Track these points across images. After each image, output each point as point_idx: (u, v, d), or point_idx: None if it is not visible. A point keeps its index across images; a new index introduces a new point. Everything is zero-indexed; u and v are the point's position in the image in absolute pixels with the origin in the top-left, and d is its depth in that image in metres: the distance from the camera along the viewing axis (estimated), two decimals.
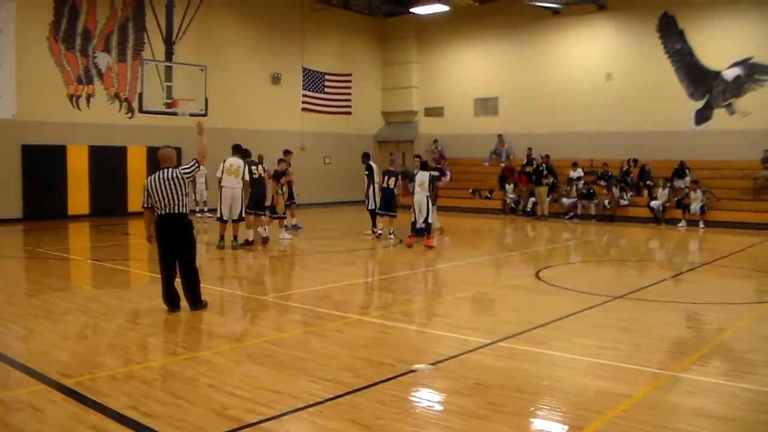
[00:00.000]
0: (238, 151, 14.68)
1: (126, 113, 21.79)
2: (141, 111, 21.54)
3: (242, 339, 7.70)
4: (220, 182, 14.48)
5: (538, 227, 20.93)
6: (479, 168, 27.27)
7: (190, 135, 10.84)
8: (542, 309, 9.33)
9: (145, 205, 8.71)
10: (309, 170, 26.03)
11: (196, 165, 8.83)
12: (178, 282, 8.79)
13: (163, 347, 7.47)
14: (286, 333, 7.94)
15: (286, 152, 17.19)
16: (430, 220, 15.46)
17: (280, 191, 16.30)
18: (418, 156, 18.45)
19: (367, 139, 29.49)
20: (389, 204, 16.63)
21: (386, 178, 16.71)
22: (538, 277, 11.74)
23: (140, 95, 21.58)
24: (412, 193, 15.75)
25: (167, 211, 8.55)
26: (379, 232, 17.07)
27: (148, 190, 8.60)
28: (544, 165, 23.81)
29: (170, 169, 8.63)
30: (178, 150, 10.86)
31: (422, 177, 15.55)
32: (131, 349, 7.31)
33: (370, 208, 17.49)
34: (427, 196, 15.31)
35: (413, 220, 15.64)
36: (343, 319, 8.58)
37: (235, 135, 19.67)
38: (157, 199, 8.53)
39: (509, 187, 24.74)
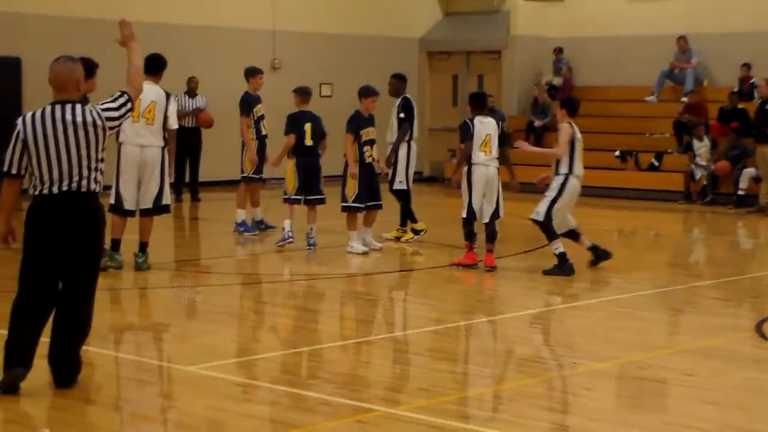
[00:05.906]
0: None
1: None
2: None
3: None
4: None
5: (760, 229, 13.61)
6: (636, 106, 16.99)
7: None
8: None
9: (12, 171, 4.95)
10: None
11: (128, 102, 4.93)
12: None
13: None
14: None
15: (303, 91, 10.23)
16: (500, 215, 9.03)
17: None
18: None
19: (406, 48, 18.02)
20: None
21: None
22: (763, 335, 7.07)
23: None
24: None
25: (60, 187, 4.85)
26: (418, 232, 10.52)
27: (24, 140, 4.87)
28: None
29: (74, 105, 4.84)
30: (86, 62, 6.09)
31: (488, 128, 8.88)
32: None
33: (395, 188, 10.36)
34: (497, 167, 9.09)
35: (469, 216, 8.95)
36: (357, 413, 4.82)
37: (171, 36, 13.98)
38: (40, 161, 4.83)
39: (699, 144, 15.00)
